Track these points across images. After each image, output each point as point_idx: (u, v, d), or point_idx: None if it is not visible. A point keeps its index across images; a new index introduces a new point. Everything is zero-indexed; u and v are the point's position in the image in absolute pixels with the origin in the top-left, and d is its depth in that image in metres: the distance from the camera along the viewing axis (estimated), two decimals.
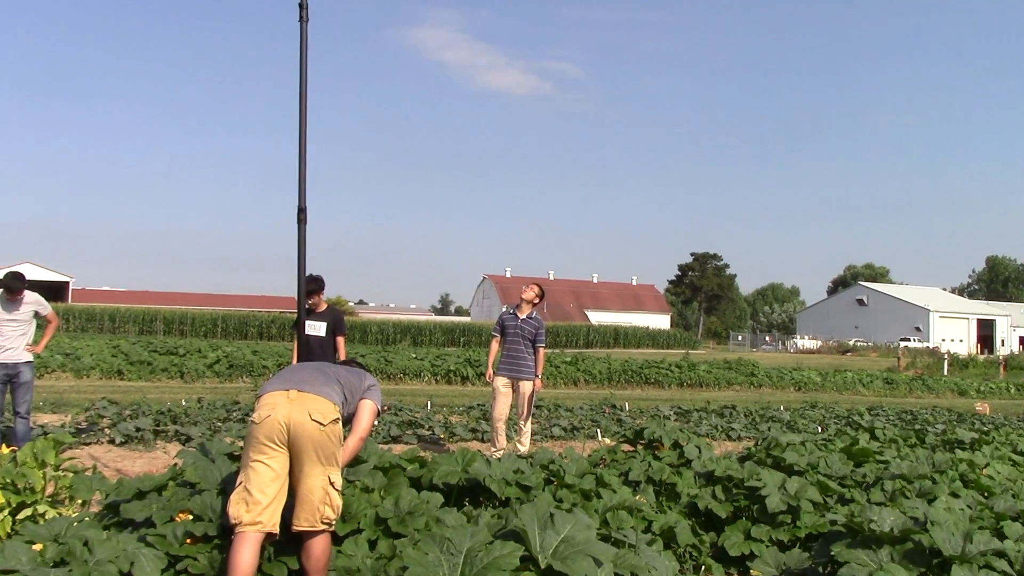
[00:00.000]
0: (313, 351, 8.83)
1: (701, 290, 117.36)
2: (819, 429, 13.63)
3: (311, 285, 8.90)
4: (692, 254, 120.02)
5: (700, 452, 7.07)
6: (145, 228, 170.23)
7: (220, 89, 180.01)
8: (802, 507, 5.71)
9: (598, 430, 12.23)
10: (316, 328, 8.90)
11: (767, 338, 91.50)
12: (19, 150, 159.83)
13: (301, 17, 5.68)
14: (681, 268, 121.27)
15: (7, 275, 8.65)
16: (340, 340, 9.00)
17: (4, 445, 7.69)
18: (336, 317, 9.11)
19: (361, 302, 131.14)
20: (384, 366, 23.55)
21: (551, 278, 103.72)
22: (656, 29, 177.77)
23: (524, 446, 9.60)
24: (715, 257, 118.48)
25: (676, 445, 7.37)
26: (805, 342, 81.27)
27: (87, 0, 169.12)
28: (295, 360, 9.10)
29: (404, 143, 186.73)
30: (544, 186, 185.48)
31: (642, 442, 7.64)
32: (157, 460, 9.07)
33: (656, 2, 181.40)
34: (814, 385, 27.68)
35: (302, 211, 5.66)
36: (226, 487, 4.77)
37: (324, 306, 9.13)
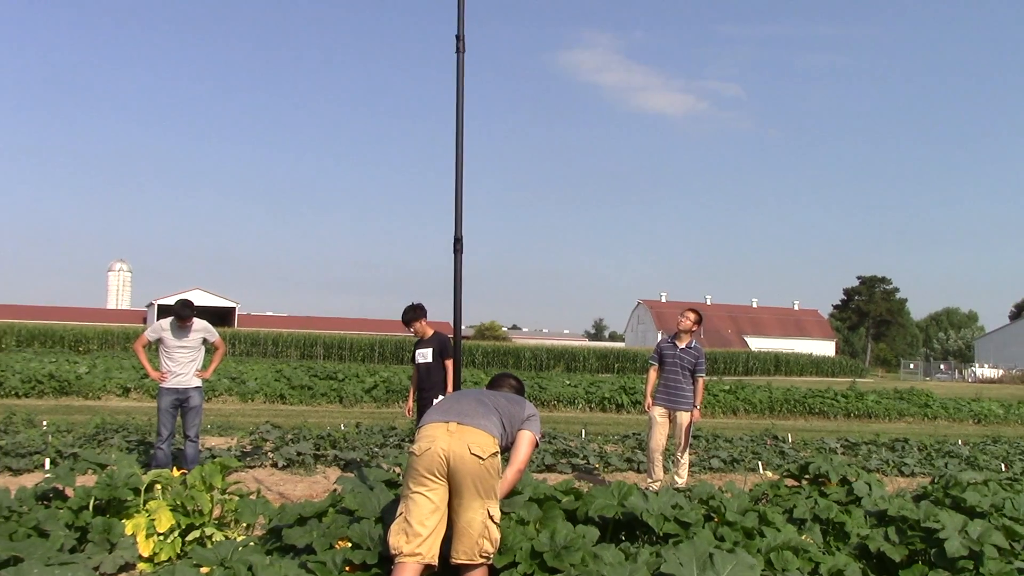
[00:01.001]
0: (424, 377, 9.15)
1: (868, 315, 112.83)
2: (1003, 467, 12.79)
3: (410, 314, 9.16)
4: (859, 277, 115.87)
5: (870, 489, 6.74)
6: (307, 254, 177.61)
7: (380, 122, 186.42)
8: (986, 552, 5.35)
9: (759, 463, 11.87)
10: (424, 355, 9.18)
11: (942, 366, 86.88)
12: (192, 183, 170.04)
13: (457, 48, 5.81)
14: (847, 292, 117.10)
15: (178, 303, 9.18)
16: (448, 363, 9.11)
17: (175, 468, 8.15)
18: (442, 341, 9.25)
19: (514, 327, 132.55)
20: (538, 392, 23.65)
21: (708, 303, 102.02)
22: (819, 43, 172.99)
23: (681, 478, 9.43)
24: (884, 280, 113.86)
25: (844, 481, 7.06)
26: (985, 371, 76.69)
27: (249, 54, 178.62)
28: (413, 388, 9.36)
29: (557, 167, 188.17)
30: (701, 208, 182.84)
31: (807, 477, 7.36)
32: (317, 484, 9.38)
33: (819, 16, 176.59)
34: (996, 418, 26.02)
35: (458, 241, 5.77)
36: (384, 516, 4.88)
37: (430, 332, 9.28)
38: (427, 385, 9.08)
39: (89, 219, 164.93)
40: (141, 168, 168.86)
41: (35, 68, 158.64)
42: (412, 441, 4.51)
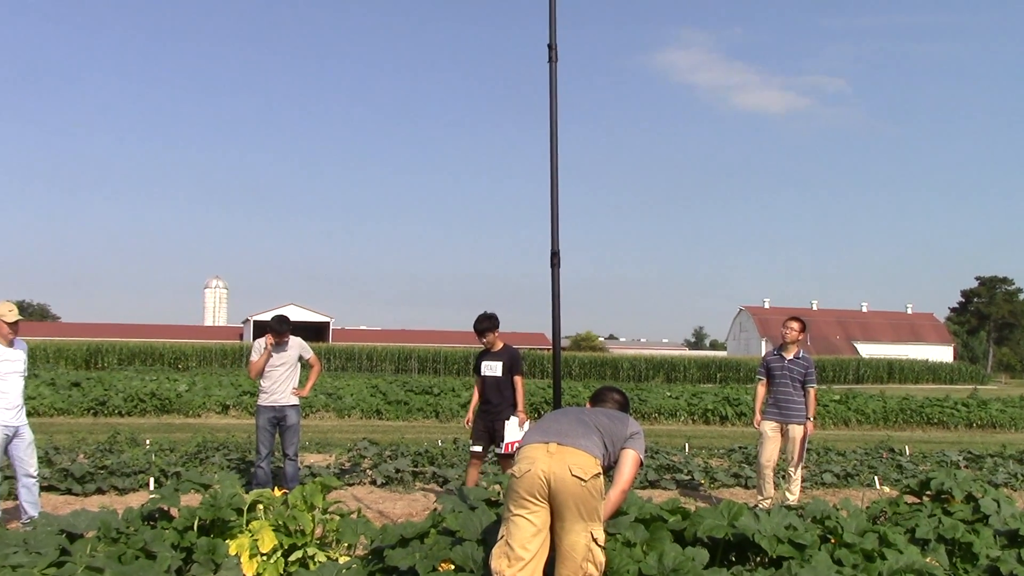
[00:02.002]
0: (490, 391, 9.01)
1: (989, 318, 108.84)
2: None
3: (485, 323, 9.04)
4: (978, 278, 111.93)
5: (999, 506, 6.49)
6: (400, 267, 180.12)
7: (472, 132, 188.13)
8: None
9: (875, 478, 11.55)
10: (492, 368, 9.03)
11: None
12: (284, 200, 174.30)
13: (550, 58, 5.82)
14: (965, 294, 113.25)
15: (274, 318, 9.41)
16: (517, 379, 9.02)
17: (275, 486, 8.34)
18: (513, 356, 9.15)
19: (611, 337, 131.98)
20: (639, 405, 23.48)
21: (814, 308, 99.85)
22: (929, 32, 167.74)
23: (793, 495, 9.25)
24: (1006, 281, 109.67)
25: (970, 498, 6.80)
26: None
27: (341, 72, 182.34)
28: (475, 400, 9.31)
29: (652, 171, 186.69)
30: (805, 209, 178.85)
31: (929, 493, 7.11)
32: (416, 503, 9.48)
33: (929, 4, 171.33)
34: None
35: (555, 255, 5.77)
36: (486, 537, 4.90)
37: (500, 345, 9.16)
38: (492, 399, 8.99)
39: (185, 237, 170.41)
40: (235, 186, 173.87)
41: (128, 90, 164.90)
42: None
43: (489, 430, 8.93)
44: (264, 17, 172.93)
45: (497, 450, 8.96)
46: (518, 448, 4.53)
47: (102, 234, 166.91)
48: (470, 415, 9.39)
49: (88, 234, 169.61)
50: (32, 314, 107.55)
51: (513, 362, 9.05)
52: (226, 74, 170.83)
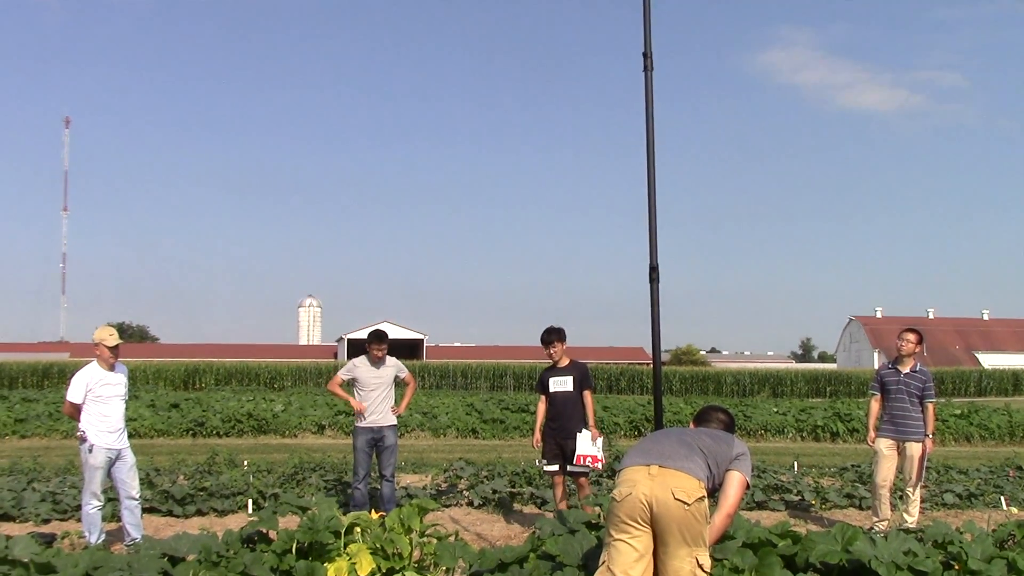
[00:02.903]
0: (559, 408, 8.92)
1: None
2: None
3: (551, 335, 9.01)
4: None
5: None
6: (493, 282, 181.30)
7: (568, 143, 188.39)
8: None
9: (1001, 498, 11.12)
10: (561, 383, 8.97)
11: None
12: (377, 216, 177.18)
13: (645, 67, 5.81)
14: None
15: (372, 332, 9.59)
16: (587, 395, 8.96)
17: (372, 508, 8.46)
18: (582, 370, 9.09)
19: (713, 350, 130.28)
20: (743, 422, 23.11)
21: (930, 317, 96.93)
22: None
23: (912, 516, 8.98)
24: None
25: None
26: None
27: (439, 87, 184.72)
28: (540, 418, 9.22)
29: (755, 177, 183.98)
30: (918, 212, 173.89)
31: None
32: (514, 525, 9.49)
33: None
34: None
35: (654, 270, 5.74)
36: (587, 562, 4.89)
37: (567, 360, 9.11)
38: (562, 416, 8.92)
39: (280, 257, 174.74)
40: (328, 204, 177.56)
41: (225, 110, 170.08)
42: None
43: (561, 447, 8.89)
44: (380, 44, 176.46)
45: (570, 466, 8.89)
46: (617, 471, 4.51)
47: (198, 255, 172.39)
48: (538, 435, 9.33)
49: (184, 255, 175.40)
50: (131, 336, 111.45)
51: (584, 377, 9.03)
52: (328, 100, 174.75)
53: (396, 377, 9.62)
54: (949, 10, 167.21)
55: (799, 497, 11.04)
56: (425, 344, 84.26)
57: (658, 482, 4.20)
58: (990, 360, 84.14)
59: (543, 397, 9.18)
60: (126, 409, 8.17)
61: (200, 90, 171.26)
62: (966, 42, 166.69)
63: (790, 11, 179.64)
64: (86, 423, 7.78)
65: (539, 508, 10.38)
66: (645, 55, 5.87)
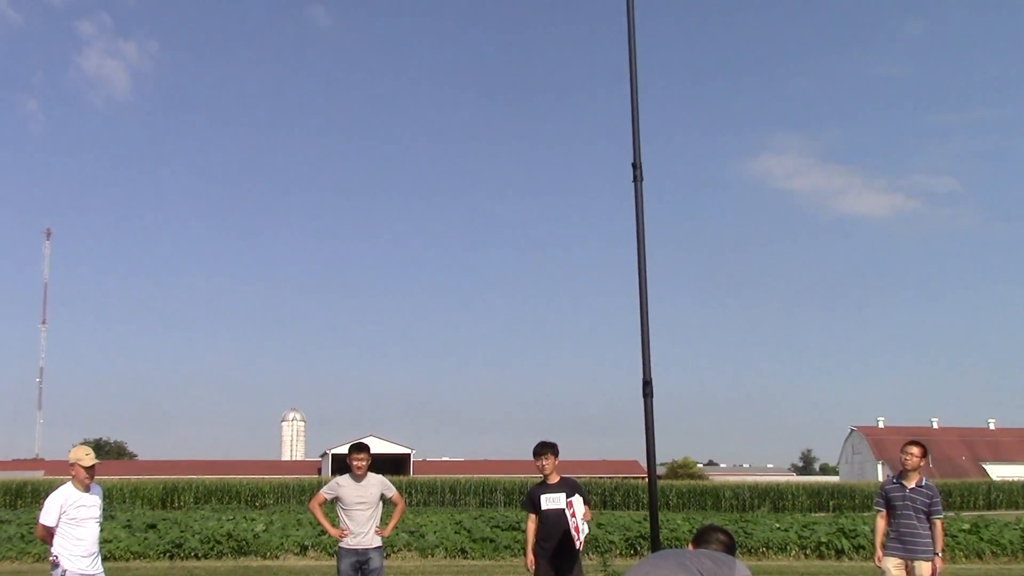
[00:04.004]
0: (554, 526, 8.79)
1: None
2: None
3: (542, 448, 9.00)
4: None
5: None
6: (481, 395, 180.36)
7: (557, 254, 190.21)
8: None
9: None
10: (554, 501, 8.88)
11: None
12: (359, 331, 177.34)
13: (635, 177, 5.90)
14: None
15: (352, 444, 9.54)
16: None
17: None
18: (574, 485, 9.03)
19: (711, 463, 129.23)
20: (743, 539, 22.75)
21: (935, 426, 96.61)
22: None
23: None
24: None
25: None
26: None
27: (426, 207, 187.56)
28: (531, 538, 9.07)
29: (751, 284, 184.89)
30: (919, 318, 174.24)
31: None
32: None
33: None
34: None
35: (648, 384, 5.74)
36: None
37: (557, 477, 9.05)
38: (556, 533, 8.78)
39: (262, 371, 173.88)
40: (311, 315, 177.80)
41: (203, 221, 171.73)
42: None
43: (556, 568, 8.74)
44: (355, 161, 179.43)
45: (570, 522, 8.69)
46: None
47: (178, 368, 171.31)
48: (530, 556, 9.11)
49: (164, 368, 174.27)
50: (109, 452, 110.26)
51: (577, 491, 8.90)
52: (306, 214, 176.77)
53: (382, 496, 9.48)
54: (941, 116, 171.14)
55: None
56: (412, 459, 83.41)
57: None
58: (998, 471, 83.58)
59: (532, 516, 9.05)
60: (101, 531, 8.03)
61: (179, 203, 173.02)
62: (959, 147, 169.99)
63: (781, 117, 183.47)
64: (59, 547, 7.64)
65: None
66: (635, 165, 5.97)
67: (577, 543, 8.53)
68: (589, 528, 8.73)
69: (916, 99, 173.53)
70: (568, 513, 8.52)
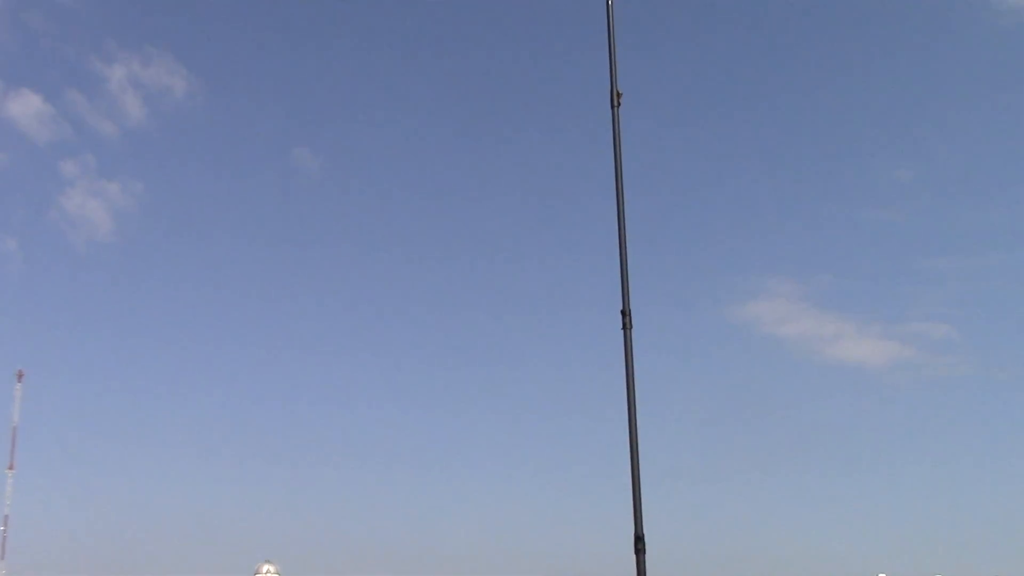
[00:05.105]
0: None
1: None
2: None
3: None
4: None
5: None
6: (464, 548, 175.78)
7: (545, 422, 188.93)
8: None
9: None
10: None
11: None
12: (336, 478, 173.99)
13: (624, 324, 5.86)
14: None
15: None
16: None
17: None
18: None
19: None
20: None
21: None
22: None
23: None
24: None
25: None
26: None
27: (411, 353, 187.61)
28: None
29: (744, 433, 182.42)
30: (918, 466, 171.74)
31: None
32: None
33: None
34: None
35: (640, 540, 5.58)
36: None
37: None
38: None
39: (235, 516, 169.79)
40: (286, 461, 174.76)
41: (178, 367, 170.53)
42: None
43: None
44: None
45: None
46: None
47: (148, 516, 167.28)
48: None
49: (134, 516, 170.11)
50: None
51: None
52: (286, 363, 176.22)
53: None
54: (935, 261, 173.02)
55: None
56: None
57: None
58: None
59: None
60: None
61: (156, 346, 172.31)
62: (955, 294, 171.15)
63: (772, 263, 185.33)
64: None
65: None
66: (624, 313, 5.96)
67: None
68: None
69: (908, 245, 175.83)
70: None
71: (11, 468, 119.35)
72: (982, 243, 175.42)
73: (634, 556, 5.76)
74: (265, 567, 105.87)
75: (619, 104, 6.78)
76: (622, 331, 6.02)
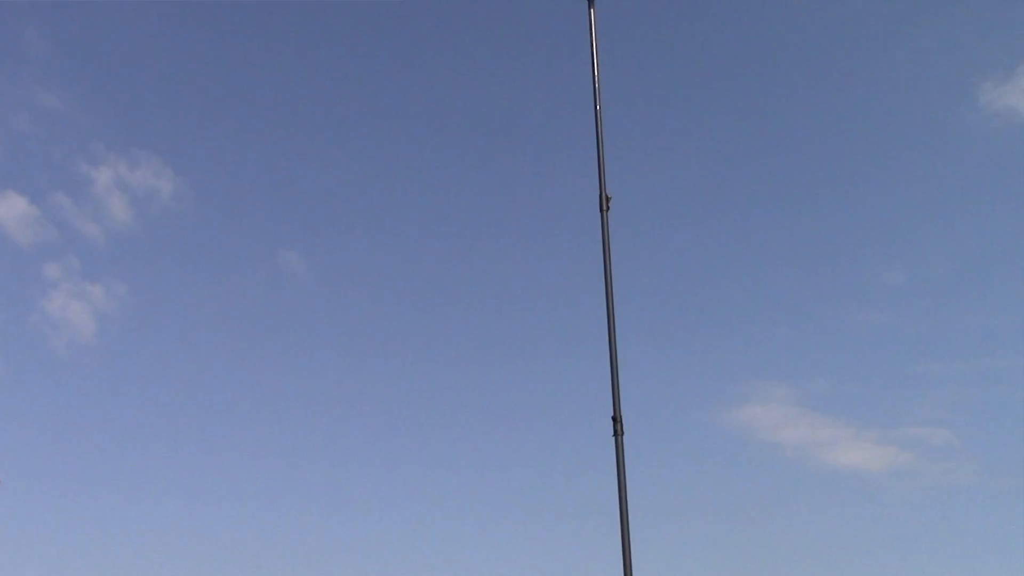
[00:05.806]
0: None
1: None
2: None
3: None
4: None
5: None
6: None
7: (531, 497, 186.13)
8: None
9: None
10: None
11: None
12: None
13: (615, 431, 5.97)
14: None
15: None
16: None
17: None
18: None
19: None
20: None
21: None
22: None
23: None
24: None
25: None
26: None
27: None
28: None
29: (735, 541, 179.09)
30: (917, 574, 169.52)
31: None
32: None
33: None
34: None
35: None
36: None
37: None
38: None
39: None
40: (255, 549, 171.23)
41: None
42: None
43: None
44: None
45: None
46: None
47: None
48: None
49: None
50: None
51: None
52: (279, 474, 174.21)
53: None
54: (931, 365, 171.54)
55: None
56: None
57: None
58: None
59: None
60: None
61: (132, 450, 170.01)
62: (954, 398, 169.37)
63: (765, 366, 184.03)
64: None
65: None
66: (615, 419, 6.09)
67: None
68: None
69: (901, 348, 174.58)
70: None
71: None
72: (977, 347, 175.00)
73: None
74: None
75: (608, 208, 7.02)
76: (613, 438, 6.17)
